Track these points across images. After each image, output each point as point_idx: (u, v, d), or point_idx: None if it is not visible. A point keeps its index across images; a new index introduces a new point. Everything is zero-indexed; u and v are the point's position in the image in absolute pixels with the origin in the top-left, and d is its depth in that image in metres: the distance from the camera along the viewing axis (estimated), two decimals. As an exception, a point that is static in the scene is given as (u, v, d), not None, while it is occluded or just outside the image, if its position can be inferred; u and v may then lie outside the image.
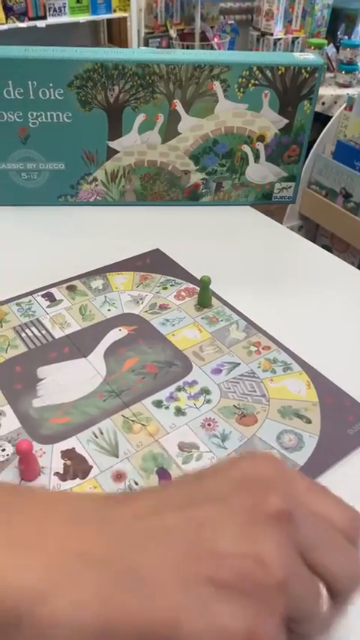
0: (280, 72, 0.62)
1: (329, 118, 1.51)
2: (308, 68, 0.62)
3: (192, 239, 0.66)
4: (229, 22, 2.68)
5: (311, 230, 1.62)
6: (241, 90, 0.63)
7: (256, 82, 0.63)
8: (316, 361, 0.48)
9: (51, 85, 0.61)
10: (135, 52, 0.62)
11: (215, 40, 2.52)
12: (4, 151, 0.66)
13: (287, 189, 0.71)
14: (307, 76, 0.62)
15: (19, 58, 0.59)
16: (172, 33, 2.55)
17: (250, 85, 0.63)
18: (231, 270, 0.60)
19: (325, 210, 1.49)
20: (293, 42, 2.64)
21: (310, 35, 2.59)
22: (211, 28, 2.57)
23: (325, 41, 2.31)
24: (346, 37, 2.51)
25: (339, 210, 1.45)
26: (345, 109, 1.44)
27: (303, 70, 0.62)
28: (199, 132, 0.66)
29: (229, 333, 0.51)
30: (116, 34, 2.63)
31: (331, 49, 2.36)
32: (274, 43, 2.59)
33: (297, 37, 2.63)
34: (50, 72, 0.60)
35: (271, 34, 2.58)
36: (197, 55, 0.62)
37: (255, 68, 0.62)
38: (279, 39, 2.60)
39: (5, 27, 2.16)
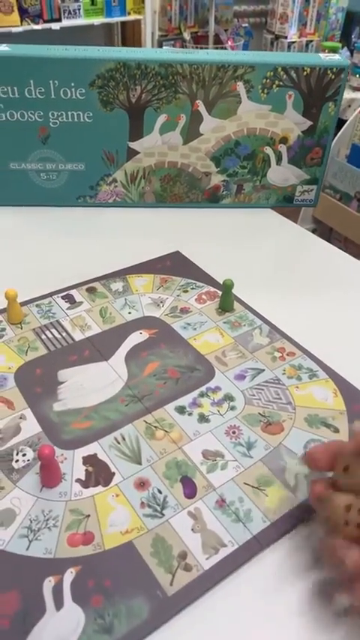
0: (305, 73, 0.61)
1: (343, 121, 1.49)
2: (334, 69, 0.61)
3: (212, 242, 0.65)
4: (243, 24, 2.67)
5: (325, 234, 1.60)
6: (265, 91, 0.62)
7: (281, 82, 0.62)
8: (342, 369, 0.47)
9: (72, 84, 0.60)
10: (158, 51, 0.61)
11: (229, 42, 2.52)
12: (24, 150, 0.65)
13: (309, 192, 0.70)
14: (333, 77, 0.61)
15: (41, 57, 0.59)
16: (186, 36, 2.54)
17: (274, 85, 0.62)
18: (252, 273, 0.59)
19: (339, 213, 1.48)
20: (307, 45, 2.63)
21: (324, 38, 2.59)
22: (225, 31, 2.57)
23: (340, 44, 2.30)
24: (361, 40, 2.50)
25: (353, 214, 1.43)
26: (361, 112, 1.42)
27: (329, 71, 0.61)
28: (221, 133, 0.65)
29: (252, 338, 0.50)
30: (130, 36, 2.63)
31: (345, 53, 2.34)
32: (288, 46, 2.58)
33: (311, 41, 2.63)
34: (72, 71, 0.60)
35: (285, 37, 2.57)
36: (221, 55, 0.61)
37: (280, 69, 0.61)
38: (293, 42, 2.59)
39: (20, 29, 2.17)
